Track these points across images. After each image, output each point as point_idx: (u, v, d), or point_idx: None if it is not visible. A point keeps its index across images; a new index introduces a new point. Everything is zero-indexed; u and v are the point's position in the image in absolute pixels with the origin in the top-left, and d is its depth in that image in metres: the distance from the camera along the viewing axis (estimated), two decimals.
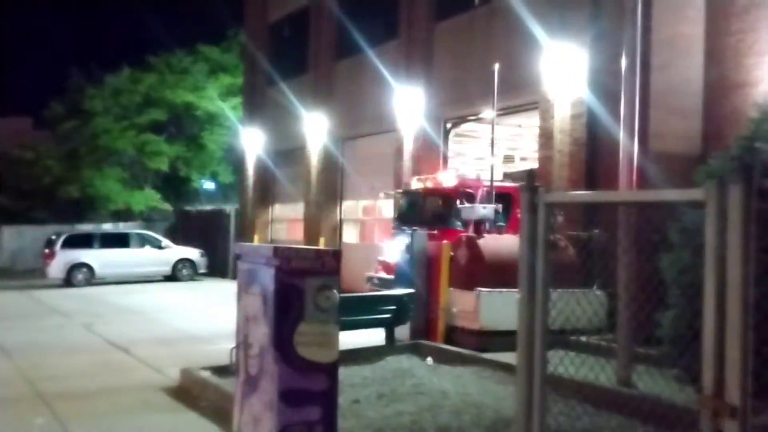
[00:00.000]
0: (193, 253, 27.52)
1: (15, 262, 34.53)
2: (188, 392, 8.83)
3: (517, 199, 13.90)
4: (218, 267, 27.80)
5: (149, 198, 35.71)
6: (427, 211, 15.28)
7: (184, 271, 27.04)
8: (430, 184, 15.64)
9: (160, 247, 27.27)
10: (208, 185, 37.73)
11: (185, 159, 35.12)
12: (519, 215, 14.35)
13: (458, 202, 14.52)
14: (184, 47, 34.38)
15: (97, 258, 26.04)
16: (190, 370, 9.27)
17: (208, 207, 33.36)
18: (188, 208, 34.70)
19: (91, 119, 35.53)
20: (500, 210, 13.53)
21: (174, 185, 36.38)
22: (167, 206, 35.78)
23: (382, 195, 18.74)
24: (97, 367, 11.07)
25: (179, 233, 30.63)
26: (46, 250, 27.20)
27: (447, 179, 15.33)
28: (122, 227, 32.34)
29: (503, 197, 14.35)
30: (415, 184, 16.29)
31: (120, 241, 27.48)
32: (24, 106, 47.61)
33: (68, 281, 25.46)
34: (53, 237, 27.34)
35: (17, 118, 49.83)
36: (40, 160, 38.28)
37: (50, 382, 9.92)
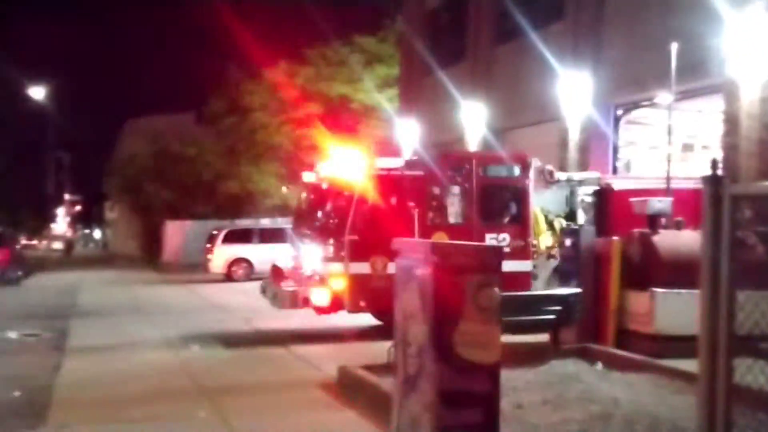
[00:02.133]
0: None
1: (178, 257, 36.61)
2: (346, 390, 9.02)
3: (410, 190, 13.23)
4: None
5: None
6: (311, 205, 14.58)
7: None
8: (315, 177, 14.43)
9: None
10: None
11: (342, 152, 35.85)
12: (411, 209, 13.07)
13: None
14: (340, 39, 35.08)
15: (256, 253, 27.07)
16: (347, 367, 9.45)
17: None
18: None
19: (250, 115, 36.99)
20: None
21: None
22: None
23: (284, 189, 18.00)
24: (256, 362, 11.54)
25: None
26: (208, 245, 28.65)
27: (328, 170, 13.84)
28: (280, 222, 33.49)
29: (394, 188, 13.40)
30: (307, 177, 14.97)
31: (278, 235, 28.41)
32: (186, 102, 50.09)
33: (228, 276, 26.69)
34: (214, 232, 28.74)
35: (180, 115, 52.68)
36: (201, 155, 40.34)
37: (211, 375, 10.43)
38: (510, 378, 8.22)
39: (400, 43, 31.11)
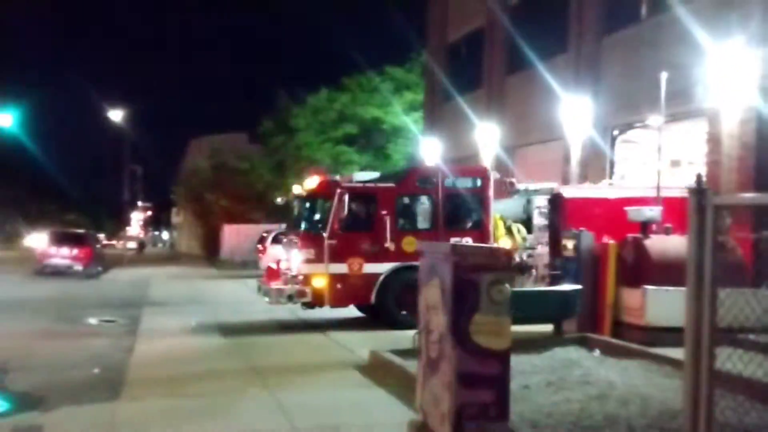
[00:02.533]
0: None
1: (233, 255, 36.90)
2: (376, 371, 9.01)
3: (381, 200, 13.28)
4: None
5: None
6: (299, 215, 14.59)
7: None
8: (302, 190, 14.50)
9: None
10: None
11: (373, 167, 35.96)
12: (383, 216, 12.81)
13: (322, 206, 13.70)
14: (373, 69, 35.23)
15: None
16: (377, 351, 9.46)
17: None
18: None
19: (296, 134, 37.25)
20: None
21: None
22: None
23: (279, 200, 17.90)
24: (299, 346, 11.58)
25: None
26: (259, 246, 28.79)
27: (314, 183, 13.86)
28: None
29: (367, 198, 13.45)
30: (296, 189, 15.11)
31: None
32: (241, 123, 50.49)
33: None
34: (264, 234, 28.88)
35: (235, 134, 53.15)
36: (254, 169, 40.69)
37: (261, 357, 10.48)
38: (518, 362, 8.18)
39: (425, 73, 31.17)
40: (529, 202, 14.47)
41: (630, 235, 11.36)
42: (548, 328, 11.06)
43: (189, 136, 59.92)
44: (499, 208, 14.34)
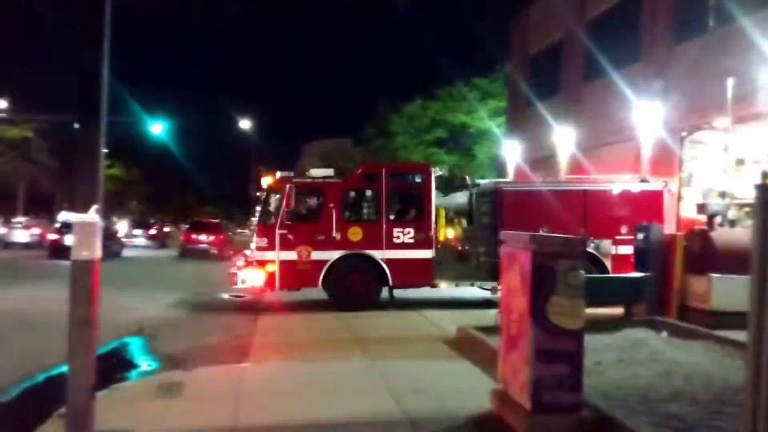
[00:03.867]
0: None
1: None
2: (462, 345, 8.99)
3: (328, 193, 12.98)
4: None
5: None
6: (260, 209, 14.10)
7: None
8: (264, 185, 14.23)
9: None
10: None
11: (460, 167, 35.69)
12: (330, 208, 12.33)
13: (269, 201, 13.31)
14: (461, 80, 34.98)
15: None
16: (464, 327, 9.44)
17: None
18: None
19: (393, 138, 37.51)
20: None
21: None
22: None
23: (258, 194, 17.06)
24: (396, 322, 11.66)
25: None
26: None
27: (270, 180, 13.64)
28: None
29: (315, 192, 13.19)
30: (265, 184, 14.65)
31: None
32: (346, 129, 51.25)
33: None
34: None
35: (342, 139, 53.94)
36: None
37: (363, 330, 10.63)
38: (591, 341, 7.95)
39: (508, 82, 30.70)
40: (471, 195, 13.91)
41: (696, 227, 10.86)
42: (619, 310, 10.72)
43: (302, 140, 61.29)
44: (452, 202, 14.29)
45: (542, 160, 24.21)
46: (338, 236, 12.79)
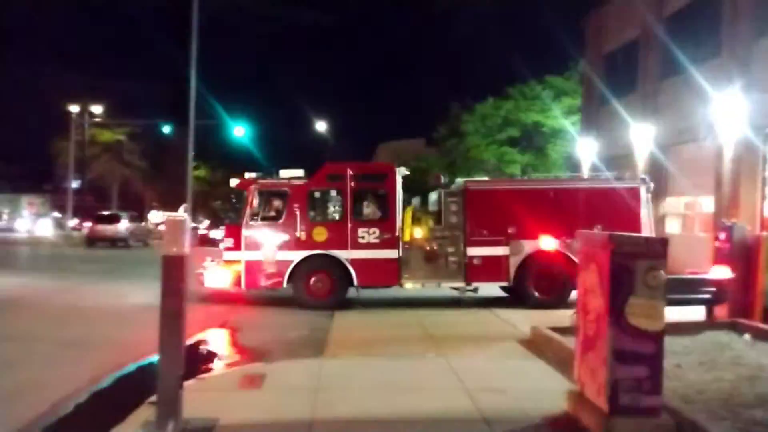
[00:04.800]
0: None
1: None
2: (536, 345, 8.84)
3: (293, 194, 12.81)
4: None
5: None
6: (230, 210, 13.69)
7: None
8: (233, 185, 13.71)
9: None
10: None
11: (533, 165, 35.13)
12: (294, 209, 12.03)
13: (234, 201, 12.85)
14: (534, 78, 34.39)
15: None
16: (538, 327, 9.27)
17: None
18: None
19: (465, 138, 37.23)
20: None
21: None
22: None
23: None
24: (469, 320, 11.57)
25: None
26: None
27: (236, 182, 13.33)
28: None
29: (280, 193, 12.99)
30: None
31: None
32: (418, 130, 51.22)
33: None
34: None
35: (414, 140, 53.98)
36: (429, 169, 41.14)
37: (437, 328, 10.59)
38: (671, 343, 7.68)
39: (582, 80, 29.92)
40: (440, 195, 13.40)
41: None
42: (700, 312, 10.28)
43: (376, 141, 61.62)
44: (431, 201, 14.16)
45: (618, 158, 23.46)
46: (303, 236, 12.72)
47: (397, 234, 12.92)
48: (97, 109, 42.19)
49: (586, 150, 25.60)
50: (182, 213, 5.22)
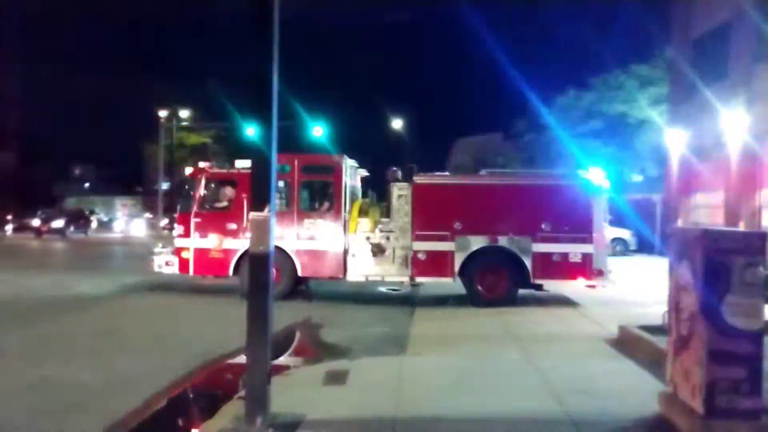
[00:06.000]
0: (625, 233, 26.65)
1: None
2: (625, 345, 8.55)
3: (241, 184, 12.88)
4: (646, 245, 26.47)
5: None
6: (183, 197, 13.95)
7: (617, 248, 26.30)
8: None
9: None
10: (637, 178, 35.93)
11: (618, 159, 34.01)
12: (242, 198, 11.95)
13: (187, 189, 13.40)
14: (618, 67, 33.19)
15: None
16: (627, 326, 8.96)
17: (638, 196, 31.91)
18: (621, 196, 33.73)
19: (545, 131, 36.44)
20: None
21: (608, 178, 35.48)
22: None
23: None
24: (553, 319, 11.32)
25: (613, 216, 29.85)
26: None
27: (189, 170, 13.86)
28: None
29: (228, 182, 13.33)
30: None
31: None
32: (495, 125, 50.51)
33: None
34: None
35: (492, 134, 53.32)
36: (507, 164, 40.58)
37: (517, 325, 10.42)
38: None
39: (669, 68, 28.64)
40: (390, 188, 13.08)
41: None
42: None
43: (453, 136, 61.23)
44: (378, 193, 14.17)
45: (709, 148, 22.38)
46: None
47: (342, 226, 12.98)
48: (184, 113, 43.96)
49: (674, 141, 24.59)
50: (266, 212, 5.36)
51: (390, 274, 12.85)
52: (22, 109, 57.11)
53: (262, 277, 5.36)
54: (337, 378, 7.01)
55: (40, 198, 47.69)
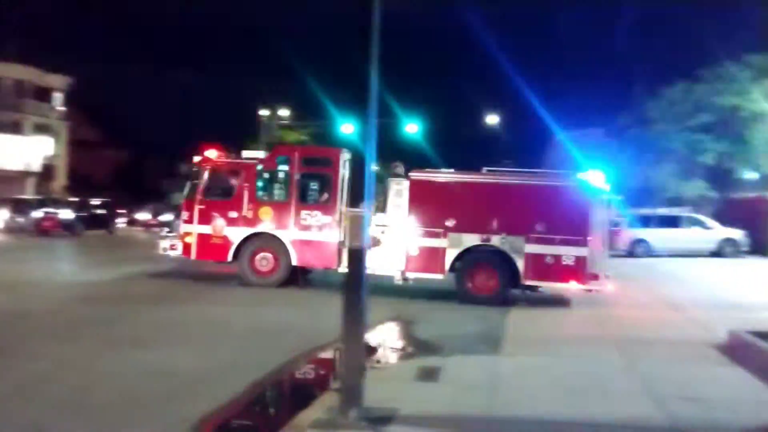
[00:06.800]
0: (736, 234, 25.14)
1: None
2: (734, 350, 8.06)
3: (243, 174, 13.67)
4: (760, 247, 24.80)
5: (697, 187, 33.63)
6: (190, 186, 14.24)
7: (728, 249, 24.88)
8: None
9: (706, 228, 25.68)
10: (751, 176, 33.71)
11: (730, 154, 32.02)
12: (243, 188, 13.28)
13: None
14: (730, 58, 31.20)
15: (653, 235, 25.80)
16: (737, 332, 8.45)
17: (751, 194, 29.92)
18: (732, 195, 31.72)
19: (651, 126, 34.85)
20: None
21: (719, 176, 33.45)
22: (713, 193, 33.27)
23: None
24: (654, 320, 10.87)
25: (724, 216, 28.19)
26: (614, 228, 27.76)
27: (196, 159, 14.14)
28: (674, 211, 31.13)
29: (232, 172, 13.95)
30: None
31: (672, 222, 26.97)
32: (596, 120, 48.78)
33: (630, 253, 25.56)
34: (619, 218, 27.73)
35: (592, 129, 51.52)
36: (610, 161, 39.20)
37: (619, 328, 10.06)
38: None
39: None
40: (386, 183, 13.28)
41: None
42: None
43: (550, 132, 59.83)
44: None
45: None
46: (250, 215, 13.48)
47: (337, 218, 13.22)
48: (284, 112, 45.37)
49: None
50: (363, 209, 5.45)
51: (383, 268, 12.84)
52: (135, 107, 60.81)
53: (358, 271, 5.45)
54: (429, 374, 7.02)
55: (151, 193, 50.57)
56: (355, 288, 5.45)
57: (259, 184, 13.90)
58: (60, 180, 49.29)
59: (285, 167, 13.71)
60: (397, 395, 6.12)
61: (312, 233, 13.42)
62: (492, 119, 40.77)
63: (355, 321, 5.42)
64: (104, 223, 35.21)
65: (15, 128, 45.36)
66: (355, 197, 5.55)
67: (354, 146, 5.55)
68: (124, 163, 62.02)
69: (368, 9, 5.32)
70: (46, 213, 31.69)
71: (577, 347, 8.71)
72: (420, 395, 6.28)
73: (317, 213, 13.41)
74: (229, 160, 14.21)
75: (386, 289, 13.54)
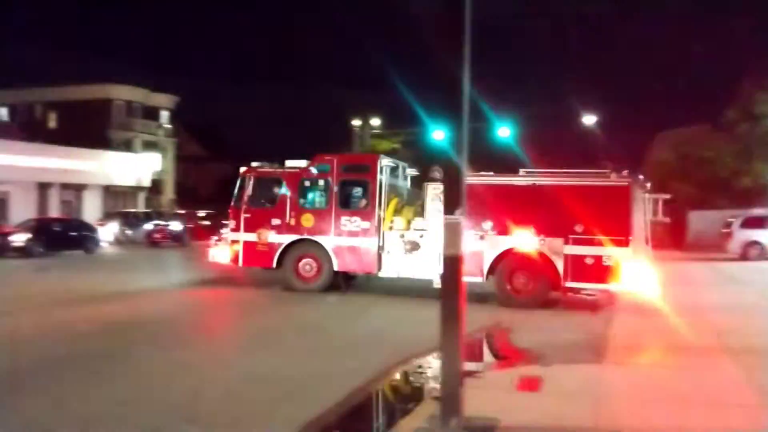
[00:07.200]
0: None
1: (699, 240, 34.03)
2: None
3: (285, 182, 14.05)
4: None
5: None
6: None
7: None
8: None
9: None
10: None
11: None
12: (285, 196, 13.41)
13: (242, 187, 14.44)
14: None
15: None
16: None
17: None
18: None
19: (762, 121, 32.64)
20: None
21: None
22: None
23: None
24: (765, 330, 10.11)
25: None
26: (725, 230, 26.06)
27: (242, 169, 14.70)
28: None
29: (274, 181, 14.32)
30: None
31: None
32: (703, 115, 46.21)
33: (743, 256, 23.98)
34: (731, 219, 26.05)
35: (698, 126, 48.93)
36: (718, 157, 37.06)
37: (734, 337, 9.44)
38: None
39: None
40: (425, 187, 13.33)
41: None
42: None
43: (652, 130, 57.14)
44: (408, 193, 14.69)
45: None
46: (292, 222, 13.85)
47: (376, 223, 13.40)
48: (375, 121, 45.94)
49: None
50: (459, 217, 5.38)
51: (422, 272, 13.05)
52: (235, 122, 63.34)
53: (455, 279, 5.39)
54: (530, 384, 6.85)
55: None
56: (453, 296, 5.38)
57: (301, 191, 14.28)
58: (168, 194, 52.06)
59: (325, 174, 14.07)
60: (497, 405, 6.00)
61: (352, 239, 13.72)
62: (589, 119, 39.48)
63: (452, 329, 5.35)
64: (210, 233, 36.82)
65: (127, 146, 48.40)
66: (451, 204, 5.49)
67: (445, 153, 5.49)
68: (226, 176, 64.74)
69: (459, 14, 5.27)
70: (156, 225, 33.52)
71: (685, 357, 8.24)
72: (521, 405, 6.13)
73: (357, 219, 13.67)
74: (272, 169, 14.67)
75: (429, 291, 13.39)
